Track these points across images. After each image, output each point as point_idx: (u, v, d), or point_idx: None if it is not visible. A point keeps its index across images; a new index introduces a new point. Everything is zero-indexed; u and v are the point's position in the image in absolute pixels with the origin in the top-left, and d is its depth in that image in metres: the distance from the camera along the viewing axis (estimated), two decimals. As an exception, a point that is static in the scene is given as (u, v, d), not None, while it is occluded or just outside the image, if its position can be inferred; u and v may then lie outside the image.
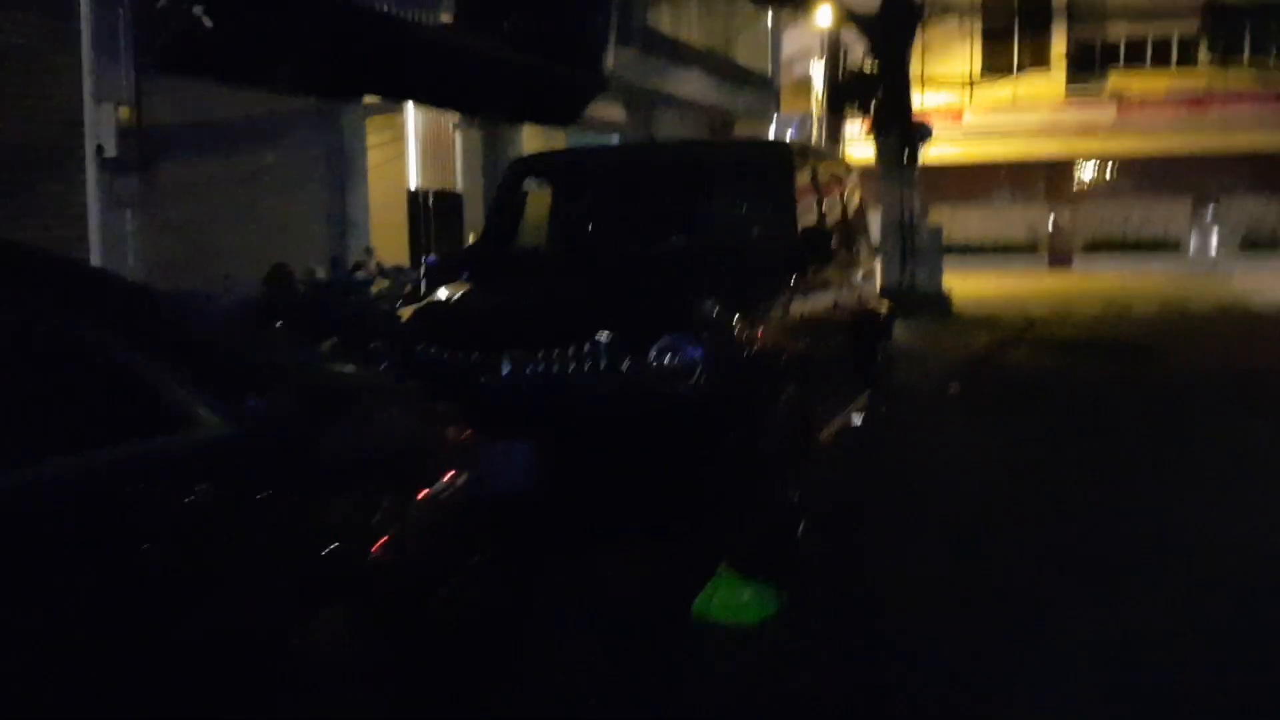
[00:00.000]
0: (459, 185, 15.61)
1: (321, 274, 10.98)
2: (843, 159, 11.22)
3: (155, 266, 10.50)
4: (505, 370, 5.17)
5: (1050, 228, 35.52)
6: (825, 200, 7.09)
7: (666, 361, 5.07)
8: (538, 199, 7.76)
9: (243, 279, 11.14)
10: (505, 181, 7.07)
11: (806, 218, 6.64)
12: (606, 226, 7.11)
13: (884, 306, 8.67)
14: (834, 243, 6.48)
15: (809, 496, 5.84)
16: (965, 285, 23.28)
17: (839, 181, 7.67)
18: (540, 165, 7.45)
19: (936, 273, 19.60)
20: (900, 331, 16.22)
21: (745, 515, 5.27)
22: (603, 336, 5.10)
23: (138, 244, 10.41)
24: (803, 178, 6.69)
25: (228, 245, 11.23)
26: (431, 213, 14.62)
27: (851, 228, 7.86)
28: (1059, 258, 34.29)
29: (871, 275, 8.39)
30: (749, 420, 5.18)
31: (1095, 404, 10.86)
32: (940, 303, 19.07)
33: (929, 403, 10.73)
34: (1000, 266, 32.15)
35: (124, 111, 10.01)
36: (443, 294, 6.18)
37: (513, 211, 6.95)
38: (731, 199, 6.89)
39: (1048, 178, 35.75)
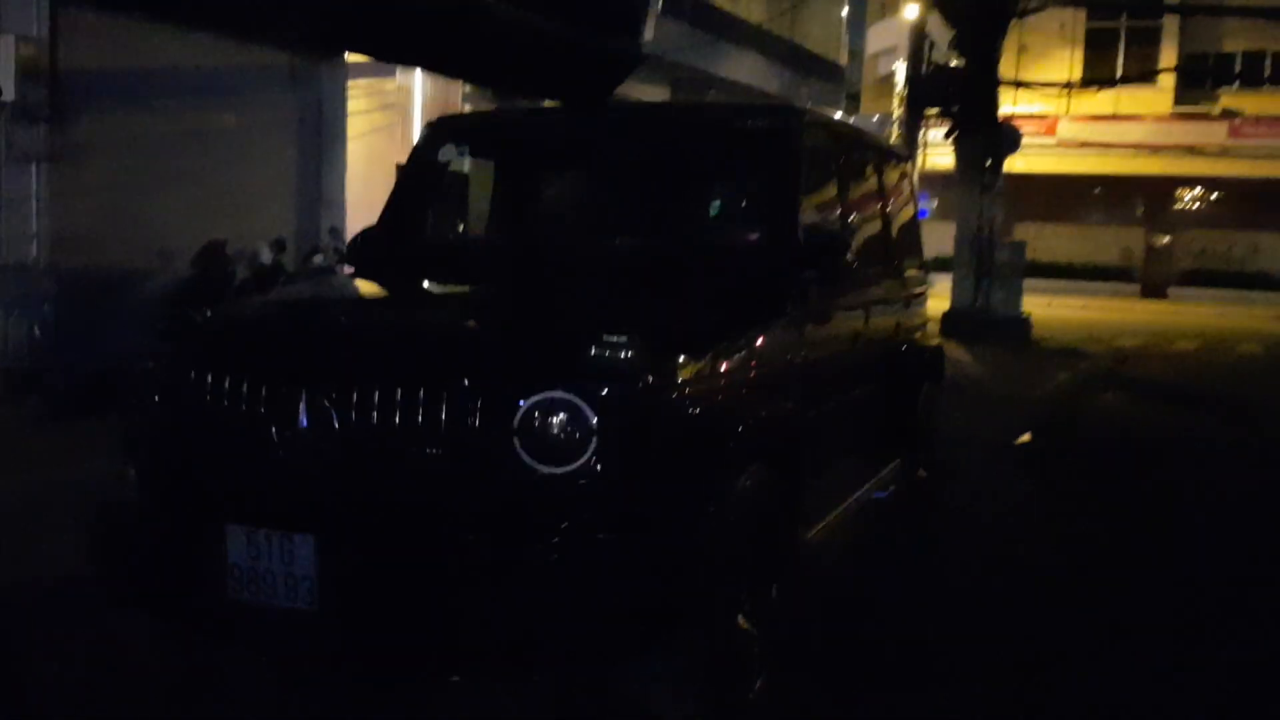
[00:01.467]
0: (465, 164, 13.68)
1: (265, 256, 9.18)
2: (890, 143, 9.04)
3: (68, 236, 8.77)
4: (302, 418, 3.29)
5: (1145, 252, 32.91)
6: (852, 194, 5.10)
7: (540, 429, 3.16)
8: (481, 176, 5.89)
9: (178, 256, 9.42)
10: (417, 149, 5.17)
11: (817, 214, 4.67)
12: (527, 216, 5.19)
13: (930, 339, 6.66)
14: (856, 253, 4.50)
15: (778, 627, 3.89)
16: (1047, 310, 21.20)
17: (878, 172, 5.67)
18: (462, 128, 5.52)
19: (1015, 294, 17.38)
20: (966, 360, 14.27)
21: (653, 670, 3.35)
22: (456, 380, 3.21)
23: (47, 208, 8.67)
24: (816, 159, 4.70)
25: (165, 217, 9.46)
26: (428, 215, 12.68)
27: (893, 235, 5.85)
28: (1153, 286, 31.68)
29: (919, 300, 6.37)
30: (673, 527, 3.25)
31: (1201, 470, 8.75)
32: (1018, 329, 16.89)
33: (988, 461, 8.67)
34: (1088, 292, 29.82)
35: (28, 48, 8.27)
36: (286, 295, 4.34)
37: (417, 189, 5.06)
38: (709, 183, 4.92)
39: (1146, 198, 33.21)
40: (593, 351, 3.21)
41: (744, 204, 4.76)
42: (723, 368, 3.65)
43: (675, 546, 3.25)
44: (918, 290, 6.36)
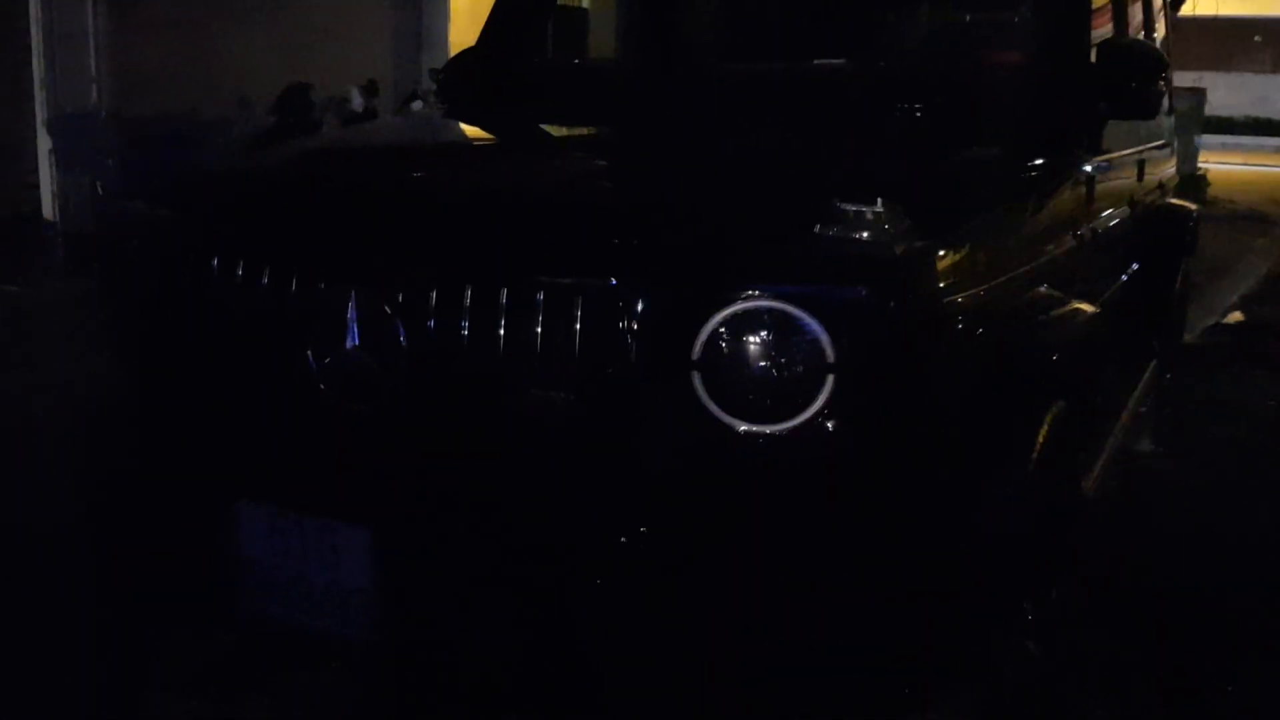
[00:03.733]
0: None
1: (356, 102, 7.92)
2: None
3: (132, 80, 7.62)
4: (351, 334, 2.05)
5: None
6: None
7: (737, 363, 1.86)
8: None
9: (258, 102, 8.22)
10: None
11: (1108, 22, 3.22)
12: (684, 30, 3.77)
13: (1185, 201, 5.19)
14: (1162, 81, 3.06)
15: (1059, 640, 2.63)
16: (1214, 168, 19.18)
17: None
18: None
19: (1193, 150, 15.48)
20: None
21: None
22: (595, 280, 1.92)
23: (106, 46, 7.51)
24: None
25: (242, 57, 8.23)
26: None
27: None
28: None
29: (1168, 148, 4.89)
30: (957, 517, 1.97)
31: None
32: (1195, 188, 15.04)
33: (1208, 349, 7.22)
34: (1251, 148, 27.18)
35: None
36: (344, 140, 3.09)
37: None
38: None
39: (1316, 44, 30.21)
40: (820, 232, 1.90)
41: (1006, 8, 3.29)
42: (1010, 258, 2.30)
43: (963, 547, 1.97)
44: (1167, 136, 4.87)
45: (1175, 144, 5.42)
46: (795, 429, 1.84)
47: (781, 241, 1.93)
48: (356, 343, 2.05)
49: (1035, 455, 2.20)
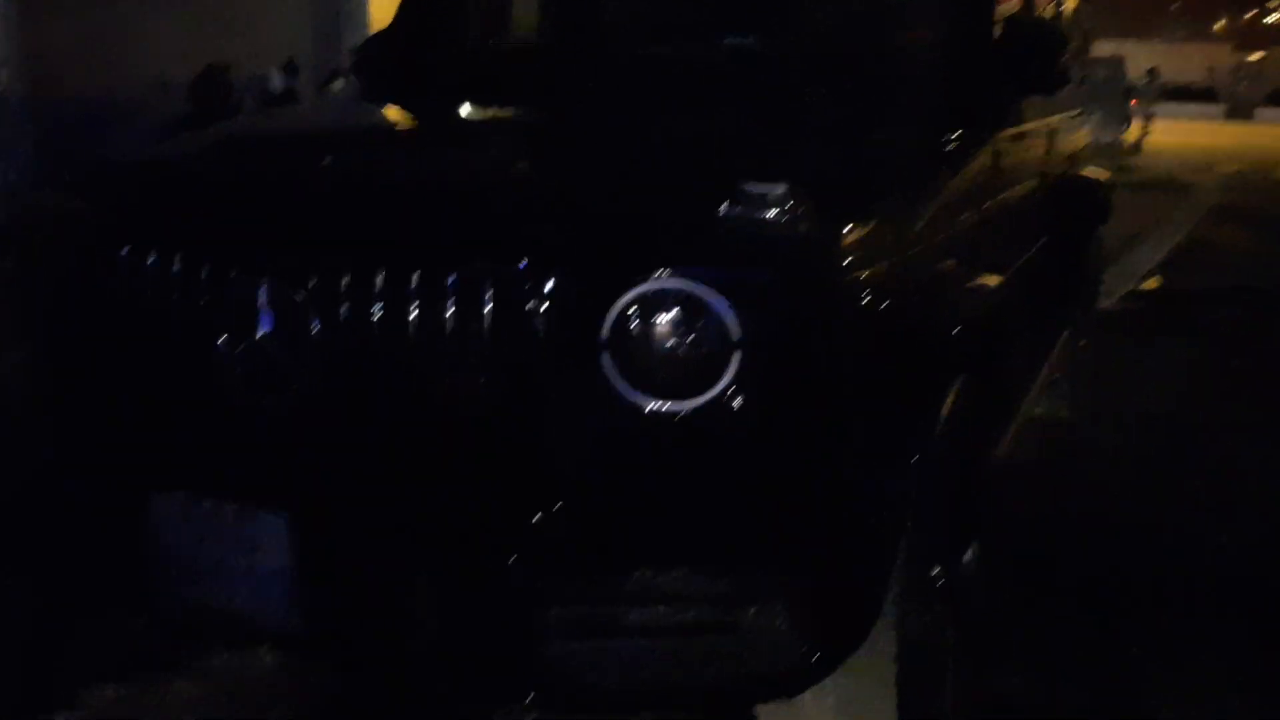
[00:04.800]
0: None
1: (276, 83, 7.83)
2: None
3: (46, 65, 7.47)
4: (263, 320, 2.06)
5: (1232, 73, 30.64)
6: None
7: (644, 342, 1.90)
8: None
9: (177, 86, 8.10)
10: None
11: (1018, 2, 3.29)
12: (602, 10, 3.78)
13: (1097, 169, 5.29)
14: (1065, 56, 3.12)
15: (973, 600, 2.71)
16: (1129, 135, 19.51)
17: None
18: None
19: (1117, 120, 15.78)
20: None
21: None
22: (504, 262, 1.95)
23: (17, 30, 7.36)
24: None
25: (159, 39, 8.11)
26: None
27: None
28: (1239, 108, 29.54)
29: (1081, 117, 4.98)
30: (862, 494, 2.02)
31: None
32: (1116, 157, 15.34)
33: (1126, 315, 7.41)
34: (1167, 114, 27.68)
35: None
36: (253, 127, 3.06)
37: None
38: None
39: (1230, 11, 30.79)
40: (726, 213, 1.94)
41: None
42: (916, 235, 2.35)
43: (868, 517, 2.03)
44: (1077, 106, 4.96)
45: (1095, 114, 5.53)
46: (702, 406, 1.88)
47: (687, 223, 1.96)
48: (268, 331, 2.06)
49: (940, 426, 2.26)
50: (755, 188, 1.94)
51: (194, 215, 2.24)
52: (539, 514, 1.90)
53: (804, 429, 1.95)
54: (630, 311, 1.88)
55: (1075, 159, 4.74)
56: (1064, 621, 3.20)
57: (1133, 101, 17.98)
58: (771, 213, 1.93)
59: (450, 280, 1.93)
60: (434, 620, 1.95)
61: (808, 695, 2.04)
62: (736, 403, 1.89)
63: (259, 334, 2.06)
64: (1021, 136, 3.44)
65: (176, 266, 2.15)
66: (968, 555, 2.68)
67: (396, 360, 1.97)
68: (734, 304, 1.87)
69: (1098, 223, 4.87)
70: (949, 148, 2.73)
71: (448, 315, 1.93)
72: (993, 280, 2.67)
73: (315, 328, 2.02)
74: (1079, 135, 4.94)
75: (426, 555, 1.96)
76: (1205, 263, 9.88)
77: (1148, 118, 19.13)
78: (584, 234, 1.97)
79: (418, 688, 2.18)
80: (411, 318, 1.96)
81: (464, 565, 1.94)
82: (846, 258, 2.04)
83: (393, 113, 3.27)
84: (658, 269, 1.89)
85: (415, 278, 1.96)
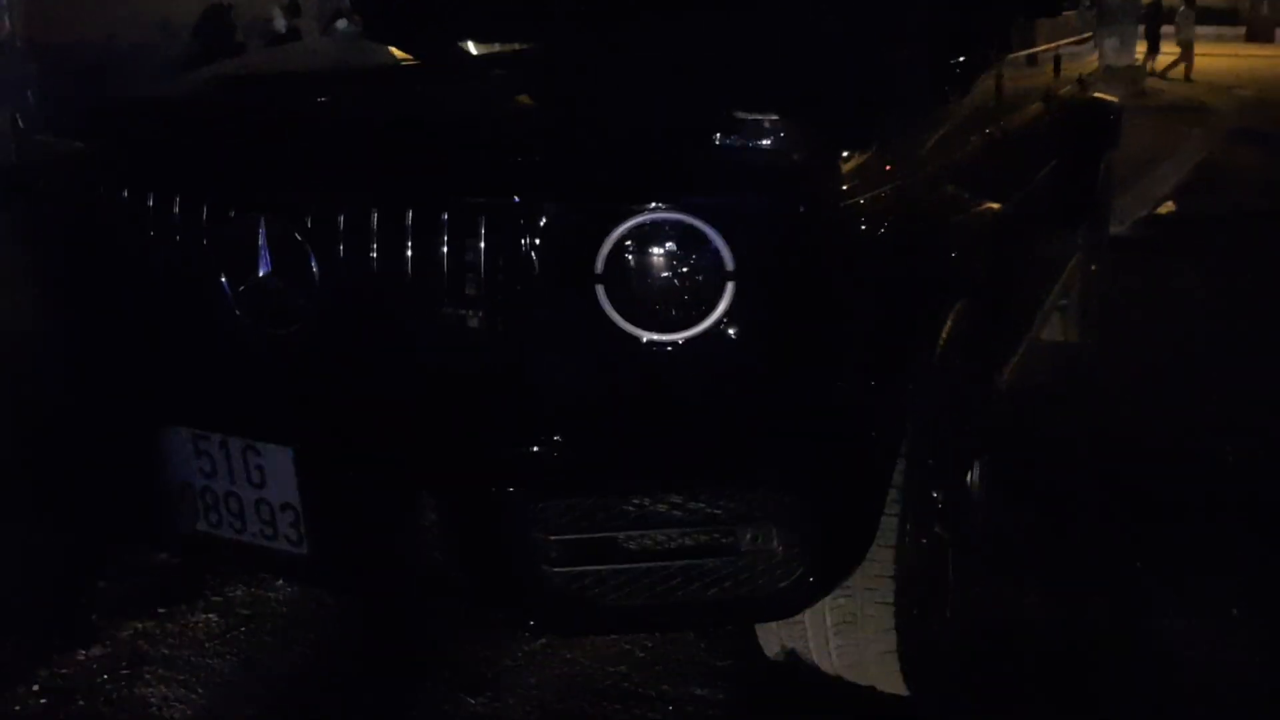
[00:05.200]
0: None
1: (279, 23, 7.79)
2: None
3: (47, 8, 7.45)
4: (263, 260, 2.08)
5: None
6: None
7: (639, 274, 1.91)
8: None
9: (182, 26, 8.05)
10: None
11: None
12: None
13: (1108, 93, 5.24)
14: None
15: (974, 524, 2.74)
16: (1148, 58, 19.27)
17: None
18: None
19: (1130, 42, 15.56)
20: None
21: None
22: (500, 196, 1.96)
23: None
24: None
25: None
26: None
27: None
28: (1260, 29, 29.09)
29: (1089, 41, 4.94)
30: (858, 422, 2.05)
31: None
32: (1131, 79, 15.14)
33: (1140, 240, 7.37)
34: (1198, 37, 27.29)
35: None
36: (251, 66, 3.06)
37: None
38: None
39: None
40: (720, 142, 1.94)
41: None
42: (916, 161, 2.35)
43: (860, 448, 2.06)
44: (1087, 30, 4.91)
45: (1107, 37, 5.47)
46: (697, 337, 1.90)
47: (681, 154, 1.96)
48: (269, 269, 2.08)
49: (939, 351, 2.27)
50: (749, 116, 1.95)
51: (190, 157, 2.26)
52: (539, 443, 1.93)
53: (798, 357, 1.97)
54: (625, 244, 1.90)
55: (1084, 82, 4.70)
56: (1066, 541, 3.23)
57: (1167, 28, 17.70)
58: (765, 141, 1.93)
59: (444, 215, 1.95)
60: (438, 548, 1.99)
61: (805, 615, 2.07)
62: (732, 331, 1.90)
63: (260, 272, 2.09)
64: (1027, 60, 3.42)
65: (176, 208, 2.17)
66: (969, 476, 2.71)
67: (394, 296, 2.00)
68: (725, 234, 1.88)
69: (1107, 147, 4.83)
70: (951, 72, 2.72)
71: (444, 250, 1.95)
72: (993, 205, 2.67)
73: (314, 264, 2.04)
74: (1088, 59, 4.89)
75: (429, 485, 2.00)
76: (1220, 186, 9.79)
77: (1184, 44, 18.82)
78: (576, 167, 1.98)
79: (424, 613, 2.22)
80: (408, 254, 1.98)
81: (467, 494, 1.97)
82: (841, 185, 2.04)
83: (391, 50, 3.26)
84: (651, 201, 1.90)
85: (410, 214, 1.98)
